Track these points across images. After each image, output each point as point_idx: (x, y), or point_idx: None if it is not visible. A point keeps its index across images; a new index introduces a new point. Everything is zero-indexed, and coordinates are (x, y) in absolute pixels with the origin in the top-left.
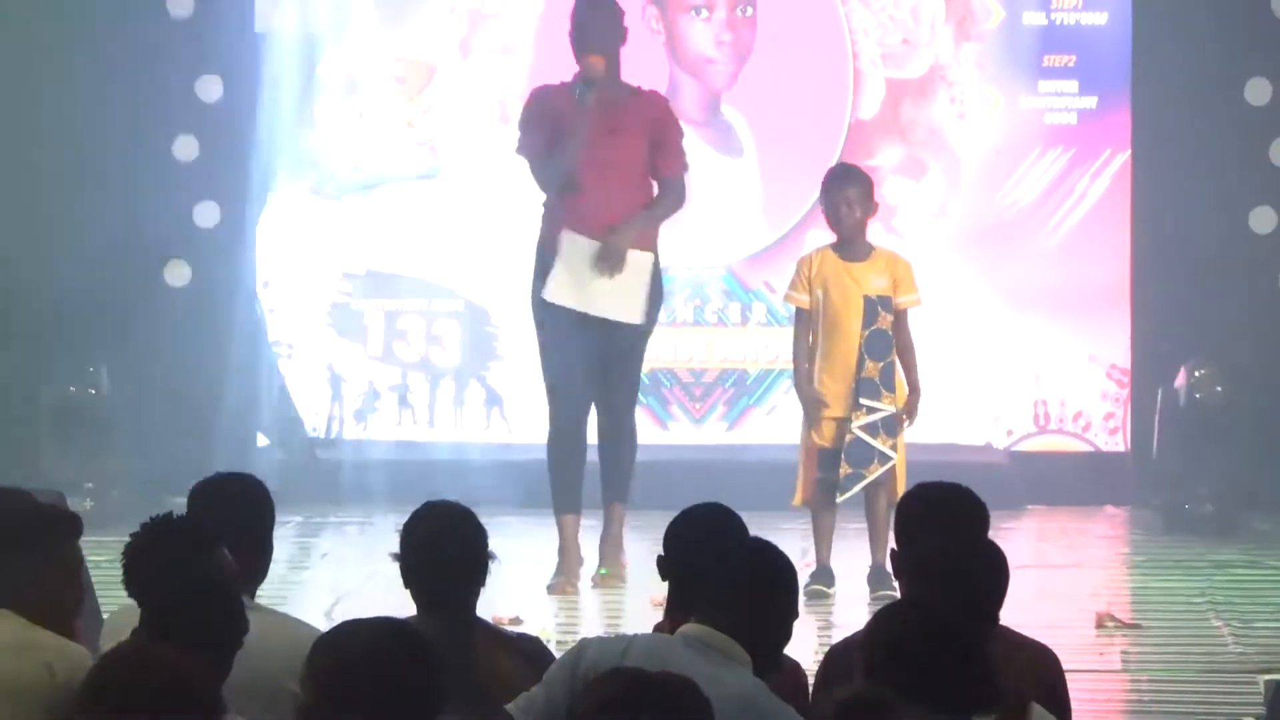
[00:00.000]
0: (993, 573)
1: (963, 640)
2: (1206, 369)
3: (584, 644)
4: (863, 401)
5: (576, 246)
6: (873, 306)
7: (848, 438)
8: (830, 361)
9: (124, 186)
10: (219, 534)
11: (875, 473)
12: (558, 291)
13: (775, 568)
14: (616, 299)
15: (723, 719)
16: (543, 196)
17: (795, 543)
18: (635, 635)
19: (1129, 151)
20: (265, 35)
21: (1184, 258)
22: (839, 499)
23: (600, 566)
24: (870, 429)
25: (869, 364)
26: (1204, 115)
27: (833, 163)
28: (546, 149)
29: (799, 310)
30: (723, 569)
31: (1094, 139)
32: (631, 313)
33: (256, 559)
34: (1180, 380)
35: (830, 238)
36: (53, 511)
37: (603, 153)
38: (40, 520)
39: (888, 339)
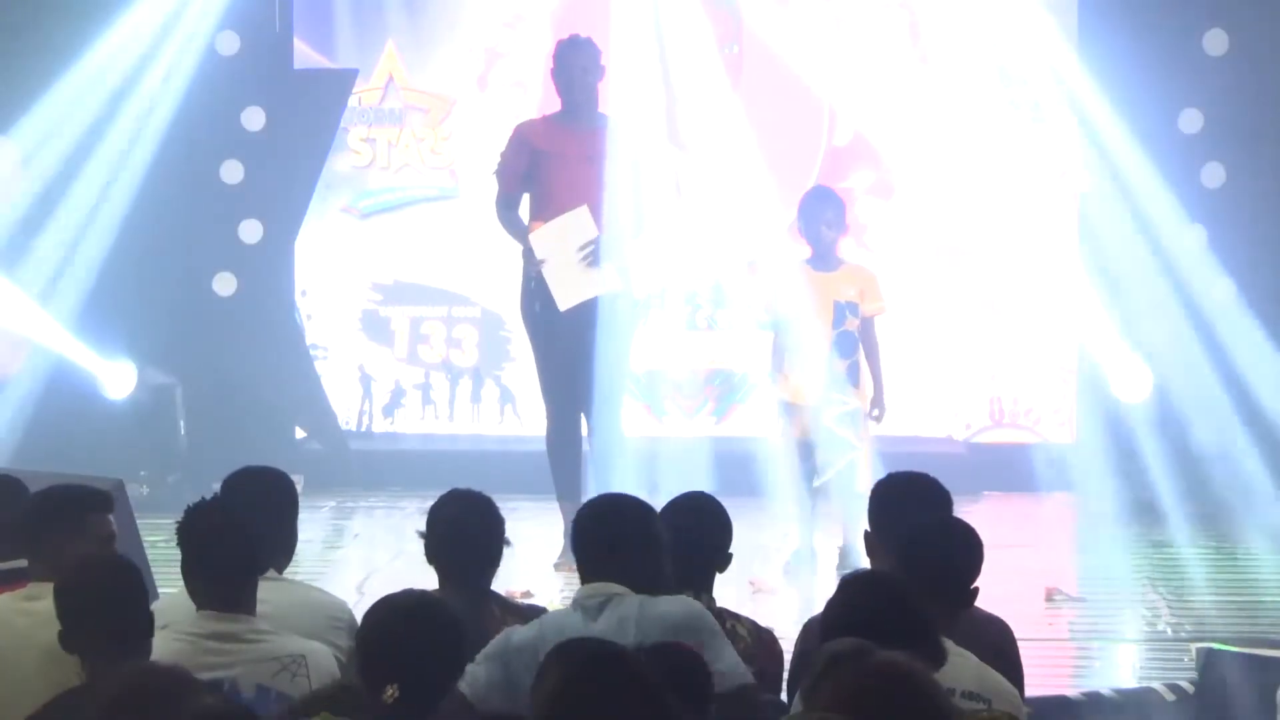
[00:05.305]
0: (962, 551)
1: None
2: (1139, 372)
3: (510, 632)
4: (832, 395)
5: (583, 221)
6: (841, 310)
7: (820, 430)
8: (805, 360)
9: (177, 206)
10: (247, 515)
11: (842, 462)
12: (542, 234)
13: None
14: (567, 279)
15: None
16: (534, 214)
17: (779, 526)
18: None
19: (1077, 174)
20: (303, 71)
21: (1126, 270)
22: (815, 483)
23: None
24: (838, 421)
25: (837, 361)
26: (1143, 142)
27: (810, 185)
28: (521, 183)
29: (779, 319)
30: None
31: (1045, 164)
32: (564, 299)
33: (280, 536)
34: (1117, 381)
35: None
36: (83, 489)
37: (584, 175)
38: (71, 497)
39: (854, 340)
